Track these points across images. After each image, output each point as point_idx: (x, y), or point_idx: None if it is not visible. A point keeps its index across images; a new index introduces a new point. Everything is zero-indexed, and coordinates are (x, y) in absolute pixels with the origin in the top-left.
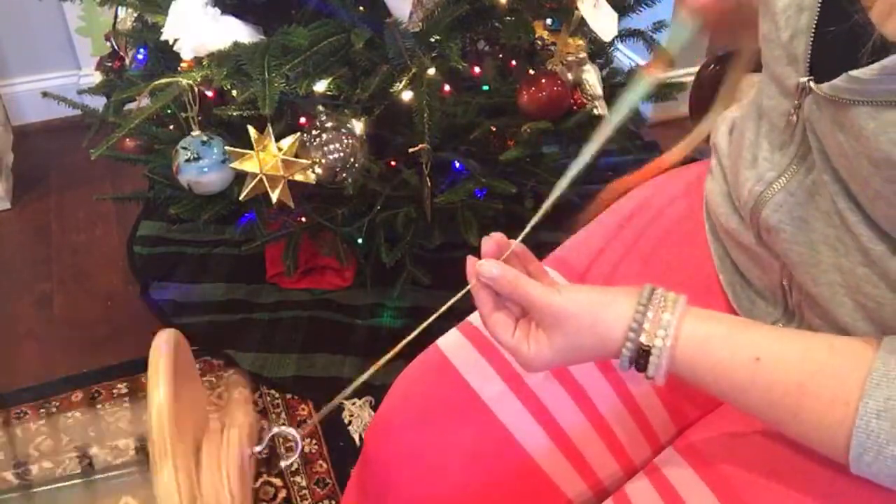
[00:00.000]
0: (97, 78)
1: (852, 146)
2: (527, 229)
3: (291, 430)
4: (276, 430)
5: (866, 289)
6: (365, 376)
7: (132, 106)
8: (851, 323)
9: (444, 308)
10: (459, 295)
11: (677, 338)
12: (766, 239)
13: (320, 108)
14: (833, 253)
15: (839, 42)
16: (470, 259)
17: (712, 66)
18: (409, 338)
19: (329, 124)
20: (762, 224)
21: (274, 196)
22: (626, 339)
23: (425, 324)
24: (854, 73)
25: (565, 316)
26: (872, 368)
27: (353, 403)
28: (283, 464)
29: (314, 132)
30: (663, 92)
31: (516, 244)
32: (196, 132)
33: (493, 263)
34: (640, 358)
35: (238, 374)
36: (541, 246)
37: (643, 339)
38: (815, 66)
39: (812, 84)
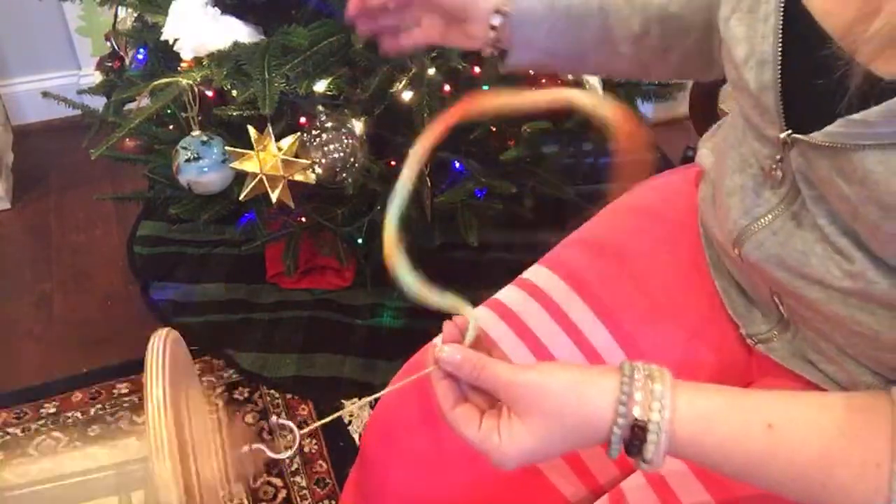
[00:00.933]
0: (97, 78)
1: (857, 192)
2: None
3: (290, 423)
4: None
5: (860, 317)
6: (371, 398)
7: (132, 106)
8: (847, 344)
9: (399, 384)
10: (418, 375)
11: (675, 409)
12: (749, 268)
13: (320, 108)
14: (819, 287)
15: (812, 89)
16: (430, 346)
17: None
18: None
19: (329, 124)
20: (744, 257)
21: (274, 196)
22: (616, 414)
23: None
24: (856, 116)
25: (545, 394)
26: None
27: (353, 403)
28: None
29: (314, 132)
30: (664, 92)
31: (479, 327)
32: (196, 132)
33: (455, 348)
34: (635, 438)
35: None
36: (538, 246)
37: (636, 412)
38: (790, 117)
39: (798, 136)
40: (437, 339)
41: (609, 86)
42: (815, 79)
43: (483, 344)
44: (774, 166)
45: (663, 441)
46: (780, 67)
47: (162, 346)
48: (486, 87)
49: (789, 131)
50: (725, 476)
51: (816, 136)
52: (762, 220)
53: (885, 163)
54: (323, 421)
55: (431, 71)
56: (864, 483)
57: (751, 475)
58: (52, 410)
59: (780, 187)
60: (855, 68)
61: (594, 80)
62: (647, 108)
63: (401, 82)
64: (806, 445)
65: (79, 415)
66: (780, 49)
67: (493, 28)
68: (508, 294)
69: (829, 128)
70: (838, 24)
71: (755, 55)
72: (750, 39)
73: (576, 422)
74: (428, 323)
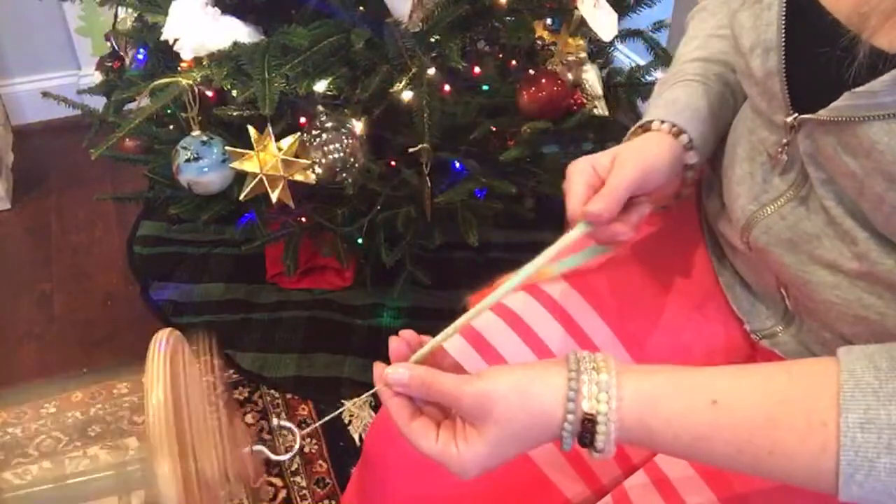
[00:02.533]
0: (97, 78)
1: (862, 165)
2: (446, 334)
3: (290, 424)
4: (276, 423)
5: (868, 301)
6: (365, 396)
7: (132, 106)
8: (851, 334)
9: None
10: (368, 394)
11: (622, 398)
12: (756, 255)
13: (320, 108)
14: (827, 271)
15: (817, 71)
16: (377, 366)
17: None
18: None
19: (329, 124)
20: (751, 243)
21: (274, 196)
22: (565, 410)
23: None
24: (860, 88)
25: (492, 401)
26: (841, 381)
27: (353, 403)
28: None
29: (314, 132)
30: None
31: (437, 339)
32: (196, 132)
33: (400, 368)
34: (585, 431)
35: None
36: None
37: (585, 406)
38: (795, 99)
39: (805, 115)
40: (381, 364)
41: (610, 85)
42: (820, 61)
43: (435, 357)
44: (780, 149)
45: (612, 430)
46: (784, 53)
47: (163, 347)
48: (485, 88)
49: (796, 115)
50: (677, 457)
51: (822, 113)
52: (771, 206)
53: (890, 133)
54: (322, 420)
55: (431, 71)
56: (810, 443)
57: (699, 452)
58: (52, 410)
59: (789, 173)
60: (860, 45)
61: (594, 81)
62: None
63: (401, 82)
64: (750, 417)
65: (79, 415)
66: (783, 36)
67: (689, 167)
68: (514, 299)
69: (834, 103)
70: (843, 7)
71: (761, 43)
72: (756, 28)
73: (526, 423)
74: (428, 323)
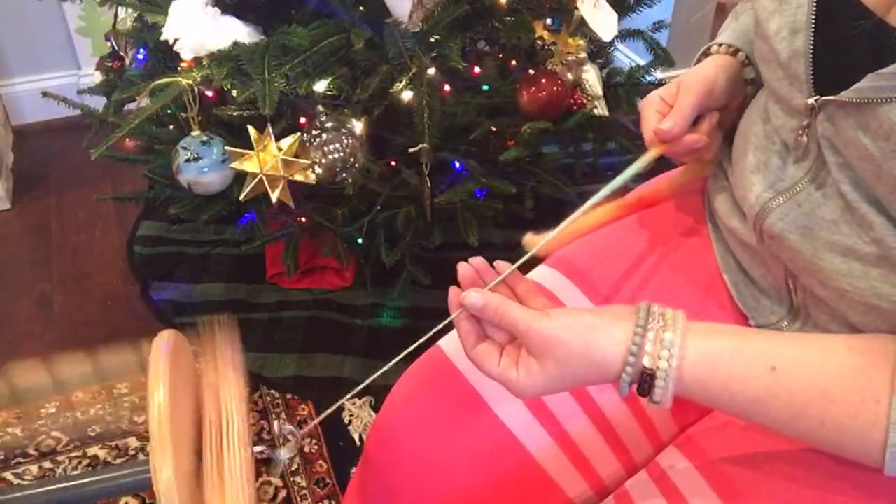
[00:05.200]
0: (97, 78)
1: (881, 147)
2: (511, 269)
3: (290, 427)
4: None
5: (882, 290)
6: (369, 381)
7: (132, 106)
8: (862, 322)
9: (433, 332)
10: (444, 323)
11: (683, 357)
12: (769, 244)
13: (320, 108)
14: (841, 259)
15: (841, 53)
16: (452, 290)
17: None
18: (410, 349)
19: (329, 124)
20: (766, 230)
21: (274, 196)
22: (625, 363)
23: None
24: (884, 70)
25: (556, 343)
26: None
27: (353, 404)
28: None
29: (314, 132)
30: None
31: (510, 268)
32: (196, 132)
33: (477, 293)
34: (644, 382)
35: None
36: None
37: (646, 362)
38: (818, 84)
39: (827, 97)
40: (456, 288)
41: (610, 85)
42: (844, 44)
43: (507, 283)
44: (801, 132)
45: (670, 385)
46: (812, 36)
47: (164, 347)
48: (485, 88)
49: (818, 96)
50: (731, 415)
51: (845, 94)
52: (786, 194)
53: None
54: (320, 417)
55: (431, 71)
56: (861, 418)
57: (753, 414)
58: (52, 410)
59: (804, 160)
60: (884, 28)
61: (594, 81)
62: None
63: (401, 82)
64: (806, 387)
65: (79, 415)
66: (813, 17)
67: (749, 83)
68: None
69: (857, 84)
70: None
71: (787, 25)
72: (782, 11)
73: (585, 368)
74: (428, 323)
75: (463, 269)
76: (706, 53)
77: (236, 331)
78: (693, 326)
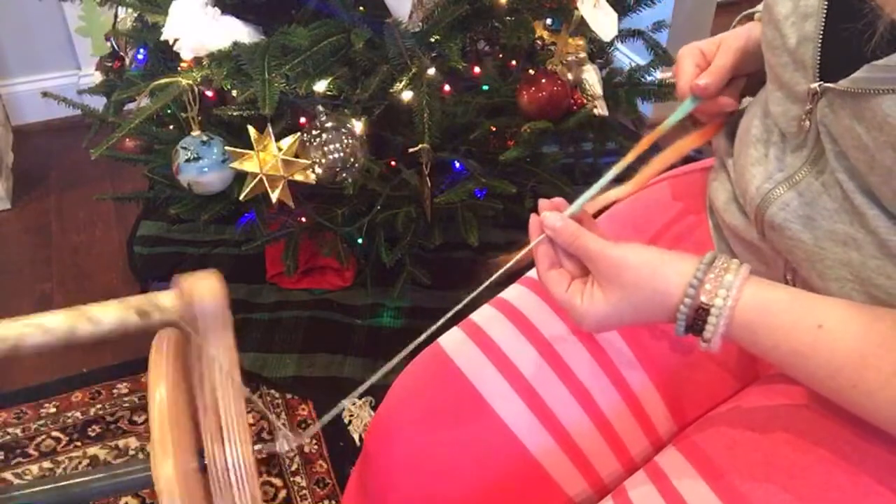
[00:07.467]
0: (97, 78)
1: (874, 138)
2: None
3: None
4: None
5: (879, 280)
6: (376, 377)
7: (132, 106)
8: None
9: (466, 300)
10: (521, 253)
11: (738, 299)
12: (770, 236)
13: (320, 108)
14: (842, 248)
15: (845, 42)
16: (533, 216)
17: None
18: (424, 336)
19: (329, 124)
20: (767, 222)
21: (274, 196)
22: (684, 295)
23: (448, 315)
24: (879, 62)
25: (625, 266)
26: None
27: (353, 404)
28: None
29: (314, 132)
30: (664, 92)
31: (588, 194)
32: (196, 132)
33: (557, 215)
34: (699, 318)
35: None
36: None
37: (703, 297)
38: (823, 70)
39: (827, 84)
40: (536, 215)
41: (610, 85)
42: (846, 33)
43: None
44: (804, 117)
45: (722, 324)
46: (823, 22)
47: (165, 346)
48: (485, 88)
49: (821, 82)
50: (772, 362)
51: (842, 83)
52: (786, 184)
53: None
54: (322, 421)
55: (431, 71)
56: (889, 390)
57: (791, 365)
58: (52, 410)
59: (802, 150)
60: (884, 18)
61: (594, 81)
62: (647, 109)
63: (401, 82)
64: (847, 350)
65: (79, 415)
66: (825, 3)
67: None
68: (513, 292)
69: (853, 75)
70: None
71: (798, 10)
72: None
73: (647, 296)
74: (428, 323)
75: (543, 202)
76: (749, 17)
77: (231, 321)
78: (754, 277)
